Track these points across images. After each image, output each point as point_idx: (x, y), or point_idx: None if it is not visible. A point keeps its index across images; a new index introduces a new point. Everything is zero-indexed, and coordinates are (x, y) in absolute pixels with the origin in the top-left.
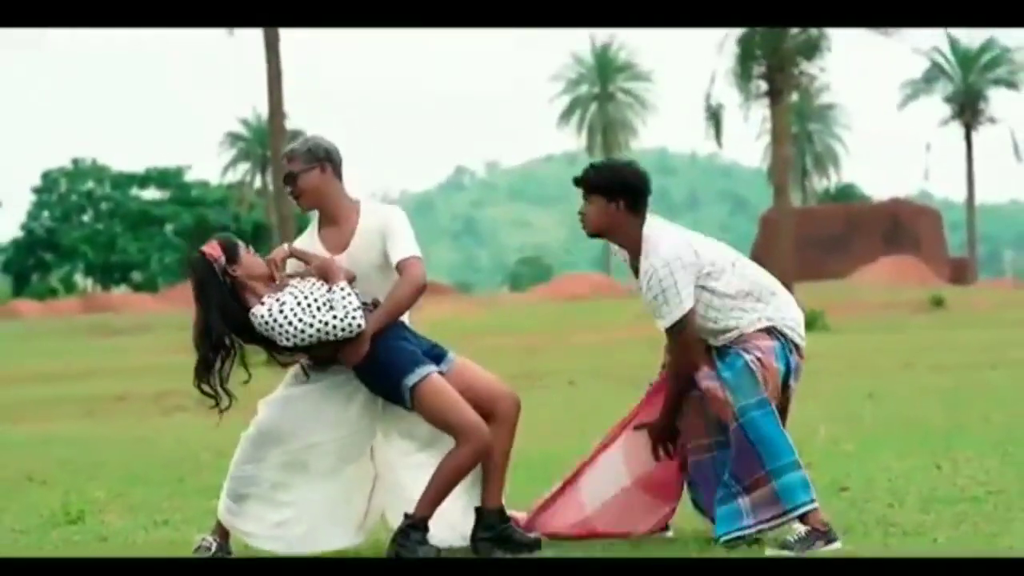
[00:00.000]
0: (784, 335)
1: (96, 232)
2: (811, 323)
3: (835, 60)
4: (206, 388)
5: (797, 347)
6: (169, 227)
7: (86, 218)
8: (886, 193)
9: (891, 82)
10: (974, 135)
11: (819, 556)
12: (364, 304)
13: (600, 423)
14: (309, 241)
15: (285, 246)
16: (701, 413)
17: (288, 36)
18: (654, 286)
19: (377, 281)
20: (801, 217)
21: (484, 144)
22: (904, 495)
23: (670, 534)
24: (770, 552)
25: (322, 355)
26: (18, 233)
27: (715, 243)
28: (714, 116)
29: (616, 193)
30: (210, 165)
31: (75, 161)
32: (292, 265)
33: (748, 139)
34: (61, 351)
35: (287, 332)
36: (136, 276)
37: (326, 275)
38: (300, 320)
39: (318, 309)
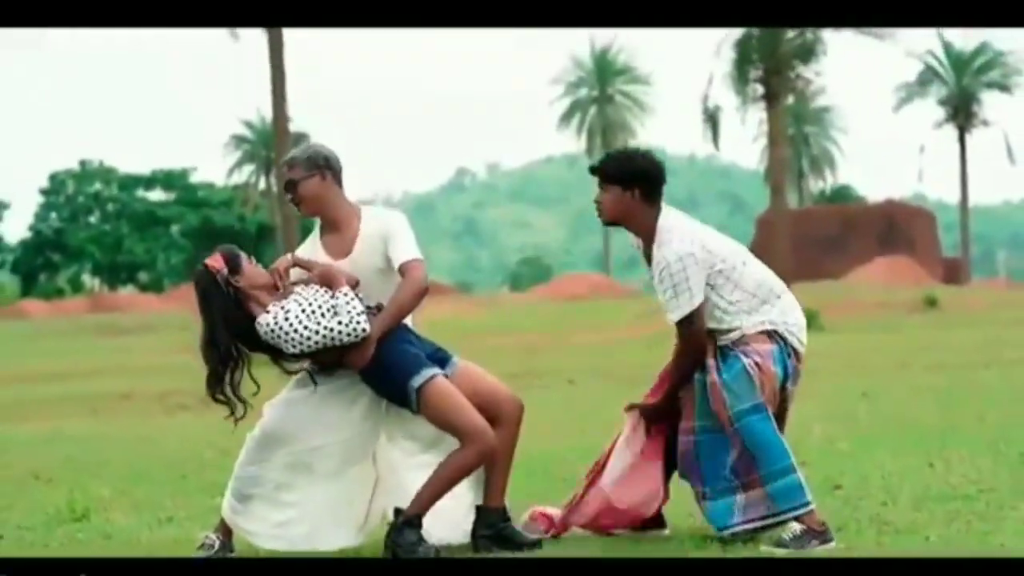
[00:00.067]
0: (784, 339)
1: (103, 233)
2: (807, 323)
3: (830, 64)
4: (221, 398)
5: (796, 351)
6: (175, 228)
7: (93, 219)
8: (881, 194)
9: (886, 85)
10: (968, 137)
11: (813, 555)
12: (368, 308)
13: (599, 422)
14: (312, 248)
15: (288, 256)
16: (692, 399)
17: (289, 37)
18: (665, 279)
19: (380, 285)
20: (797, 218)
21: (485, 145)
22: (897, 493)
23: (667, 532)
24: (765, 549)
25: (328, 360)
26: (26, 234)
27: (727, 240)
28: (712, 119)
29: (631, 182)
30: (214, 166)
31: (82, 163)
32: (295, 274)
33: (745, 141)
34: (68, 350)
35: (293, 339)
36: (142, 276)
37: (329, 282)
38: (305, 327)
39: (323, 315)
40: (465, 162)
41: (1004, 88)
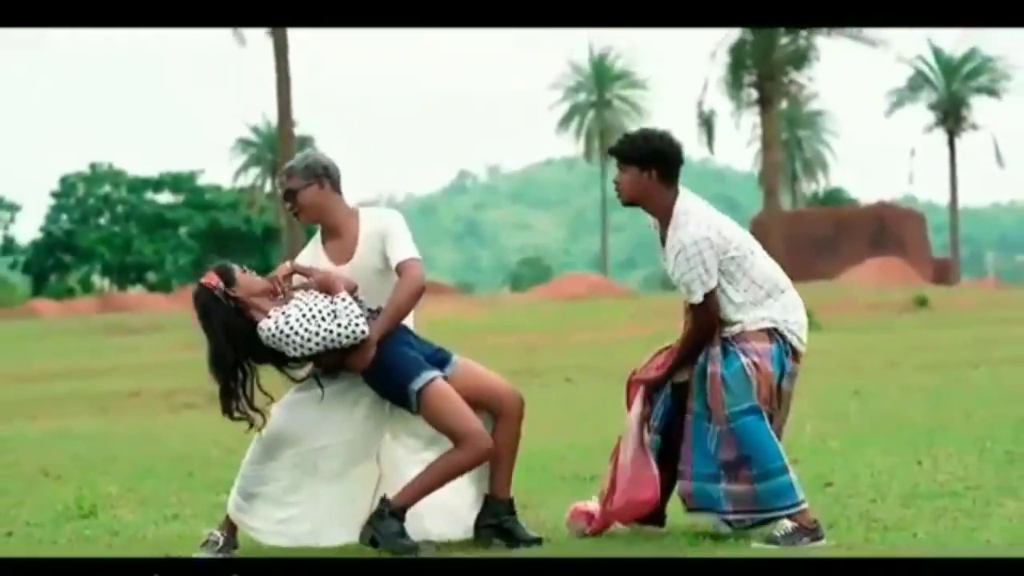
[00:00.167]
0: (784, 338)
1: (113, 234)
2: None
3: (823, 69)
4: (239, 416)
5: (795, 351)
6: (183, 230)
7: (103, 221)
8: (873, 197)
9: (877, 90)
10: (957, 141)
11: (804, 552)
12: (368, 311)
13: (597, 419)
14: (314, 254)
15: (288, 263)
16: (691, 382)
17: (290, 38)
18: (681, 263)
19: (381, 285)
20: (791, 220)
21: (485, 147)
22: (887, 490)
23: (664, 530)
24: (756, 546)
25: (330, 363)
26: (37, 235)
27: (739, 228)
28: (707, 123)
29: (649, 163)
30: (220, 169)
31: (92, 166)
32: (296, 281)
33: (740, 145)
34: (77, 349)
35: (294, 342)
36: (151, 277)
37: (327, 288)
38: (306, 330)
39: (323, 319)
40: (466, 164)
41: (992, 93)
